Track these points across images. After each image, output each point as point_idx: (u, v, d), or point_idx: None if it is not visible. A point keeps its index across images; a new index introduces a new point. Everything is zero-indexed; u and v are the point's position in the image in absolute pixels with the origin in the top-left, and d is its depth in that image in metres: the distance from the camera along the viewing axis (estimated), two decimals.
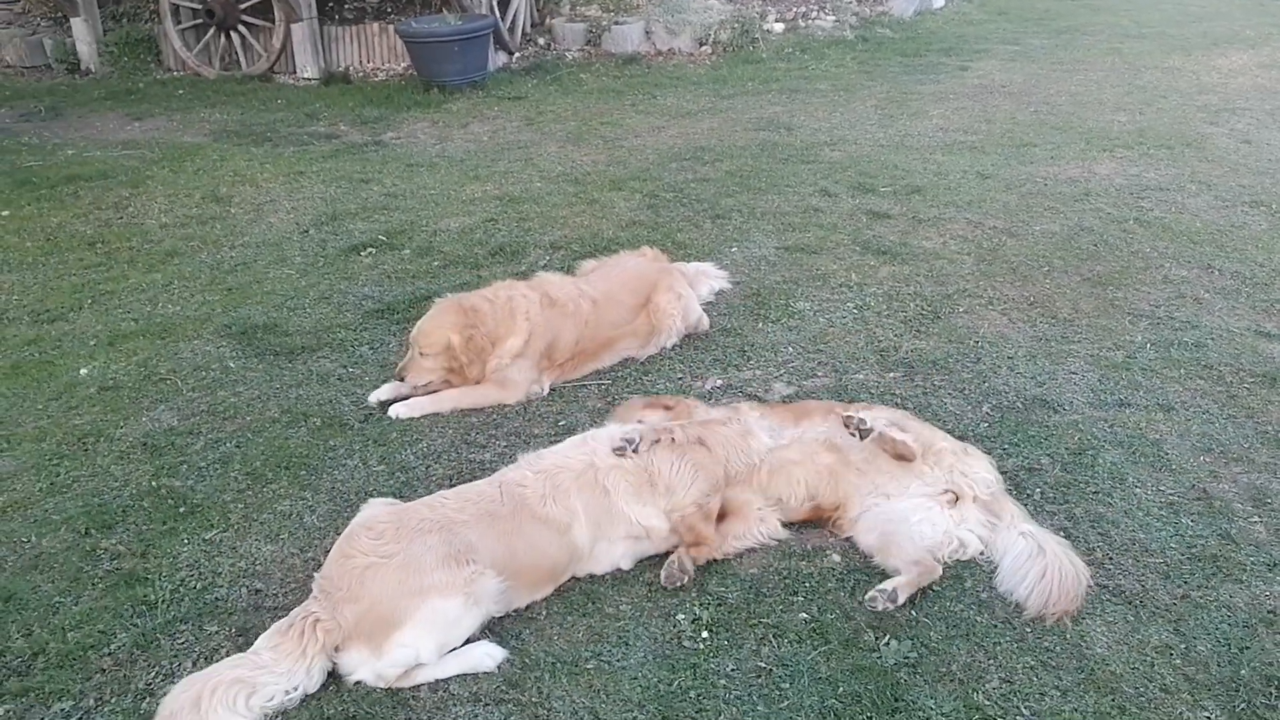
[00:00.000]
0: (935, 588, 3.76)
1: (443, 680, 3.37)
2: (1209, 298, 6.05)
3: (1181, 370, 5.27)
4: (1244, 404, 4.95)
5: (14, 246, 7.41)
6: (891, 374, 5.30)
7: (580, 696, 3.32)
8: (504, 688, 3.35)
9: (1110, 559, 3.91)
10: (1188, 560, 3.90)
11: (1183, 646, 3.49)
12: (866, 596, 3.59)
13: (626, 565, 3.90)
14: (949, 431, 4.55)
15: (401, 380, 5.13)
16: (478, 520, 3.58)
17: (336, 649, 3.28)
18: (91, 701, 3.35)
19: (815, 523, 4.13)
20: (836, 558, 3.94)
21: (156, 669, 3.47)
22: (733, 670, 3.43)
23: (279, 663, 3.22)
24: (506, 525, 3.61)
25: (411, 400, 5.06)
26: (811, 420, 4.25)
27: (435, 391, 5.12)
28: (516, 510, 3.66)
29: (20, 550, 4.11)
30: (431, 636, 3.32)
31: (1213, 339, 5.56)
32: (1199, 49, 12.95)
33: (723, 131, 9.85)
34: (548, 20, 13.87)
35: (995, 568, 3.84)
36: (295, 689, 3.22)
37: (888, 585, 3.63)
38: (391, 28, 12.65)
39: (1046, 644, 3.51)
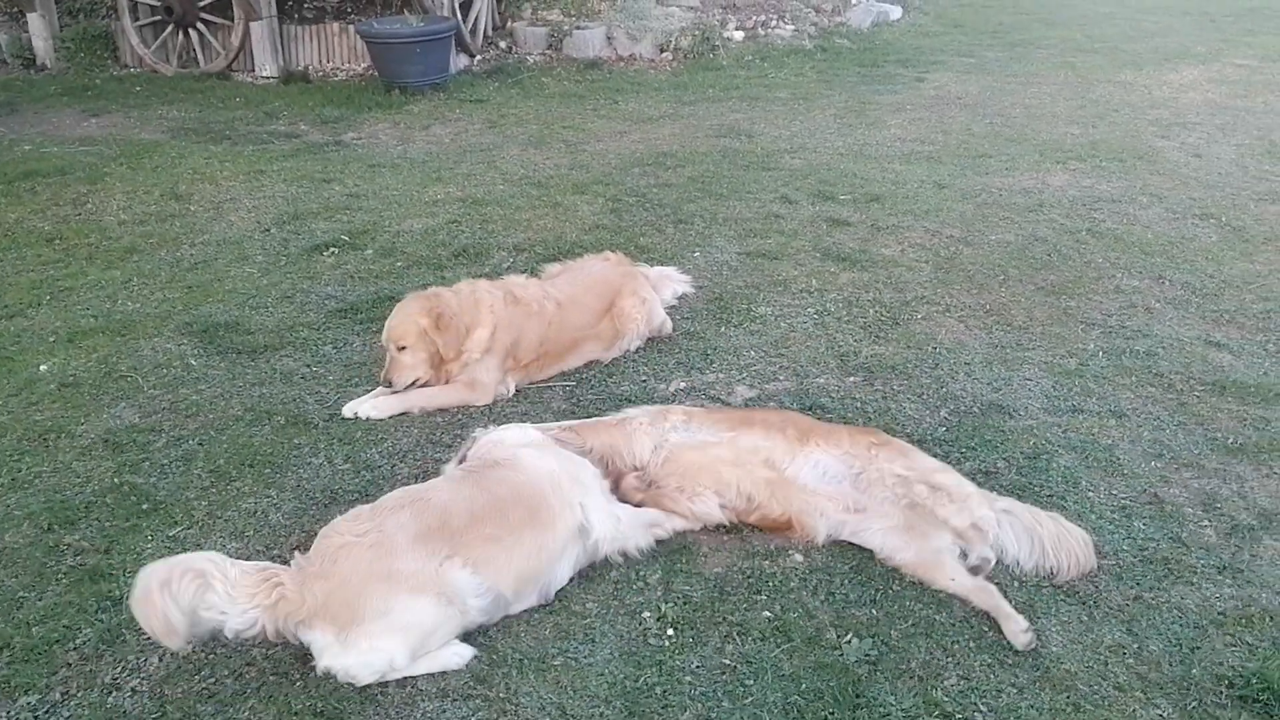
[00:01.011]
0: (895, 587, 3.85)
1: (410, 677, 3.38)
2: (1160, 307, 6.20)
3: (1133, 378, 5.39)
4: (1194, 411, 5.08)
5: None
6: (851, 378, 5.39)
7: (547, 692, 3.36)
8: (471, 684, 3.38)
9: None
10: (1140, 562, 4.01)
11: (1135, 646, 3.59)
12: (1024, 646, 3.56)
13: (596, 481, 4.03)
14: (908, 435, 4.66)
15: (389, 385, 5.07)
16: (446, 482, 3.74)
17: (303, 624, 3.26)
18: (58, 695, 3.34)
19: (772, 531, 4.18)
20: (799, 557, 4.01)
21: (123, 664, 3.47)
22: (698, 667, 3.48)
23: (234, 587, 3.20)
24: (477, 476, 3.75)
25: (379, 400, 5.06)
26: (751, 432, 4.26)
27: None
28: (484, 464, 3.84)
29: None
30: (405, 641, 3.31)
31: (1163, 348, 5.70)
32: (1150, 64, 13.22)
33: (684, 137, 9.92)
34: (509, 24, 13.88)
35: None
36: (225, 615, 3.18)
37: (1020, 621, 3.62)
38: (352, 28, 12.59)
39: (1004, 643, 3.58)
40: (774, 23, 14.48)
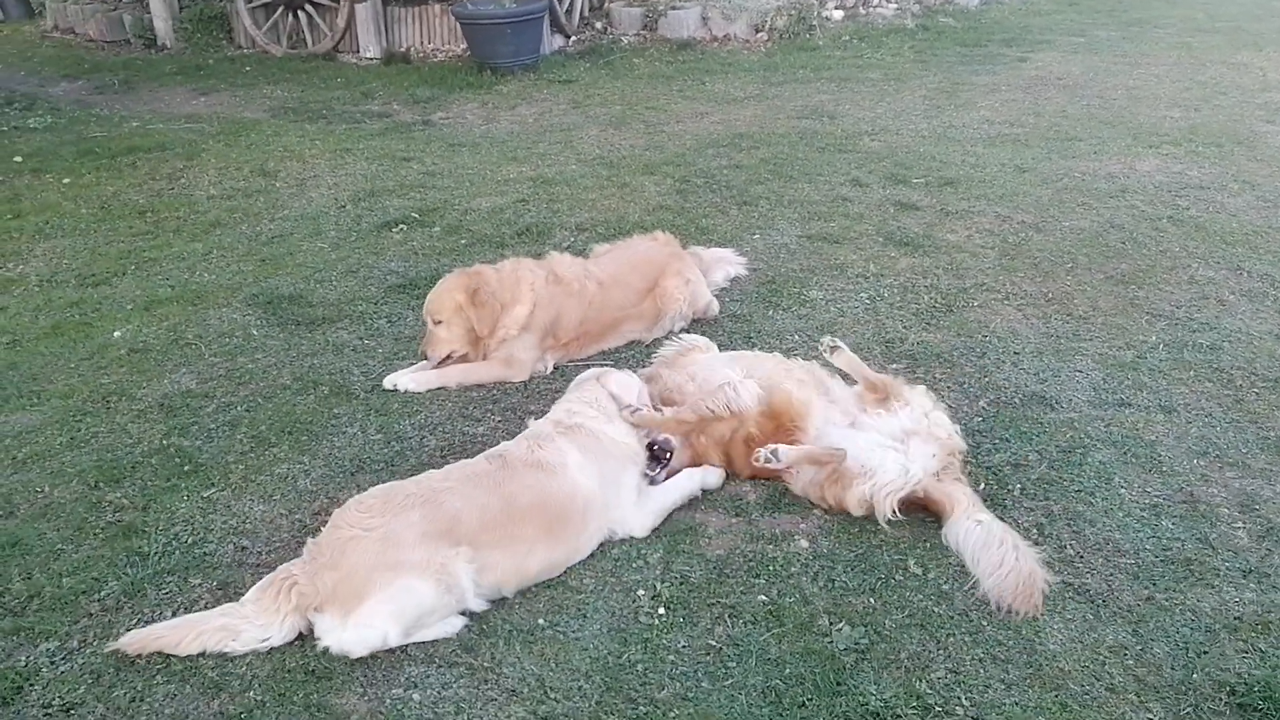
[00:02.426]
0: (898, 576, 3.82)
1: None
2: (1233, 300, 5.94)
3: (1191, 372, 5.19)
4: (1249, 408, 4.88)
5: (70, 213, 7.75)
6: (894, 365, 5.31)
7: (531, 664, 3.43)
8: (459, 652, 3.48)
9: (1080, 557, 3.91)
10: (1160, 562, 3.88)
11: (1138, 648, 3.49)
12: None
13: (632, 498, 4.07)
14: None
15: (425, 358, 5.23)
16: (462, 483, 3.73)
17: (315, 610, 3.43)
18: (75, 643, 3.55)
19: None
20: (804, 543, 4.00)
21: (139, 617, 3.65)
22: (684, 647, 3.51)
23: (258, 616, 3.47)
24: (497, 478, 3.77)
25: (418, 374, 5.20)
26: None
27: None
28: (504, 465, 3.83)
29: (33, 499, 4.35)
30: (400, 620, 3.43)
31: (1229, 342, 5.47)
32: (1272, 45, 12.58)
33: (765, 119, 9.86)
34: (606, 4, 13.95)
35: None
36: (267, 639, 3.46)
37: None
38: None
39: (1000, 638, 3.53)
40: (876, 1, 14.22)
